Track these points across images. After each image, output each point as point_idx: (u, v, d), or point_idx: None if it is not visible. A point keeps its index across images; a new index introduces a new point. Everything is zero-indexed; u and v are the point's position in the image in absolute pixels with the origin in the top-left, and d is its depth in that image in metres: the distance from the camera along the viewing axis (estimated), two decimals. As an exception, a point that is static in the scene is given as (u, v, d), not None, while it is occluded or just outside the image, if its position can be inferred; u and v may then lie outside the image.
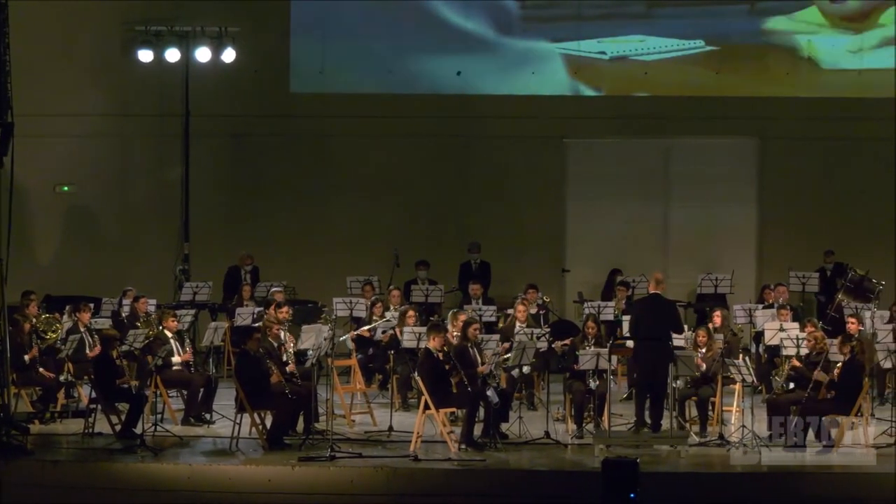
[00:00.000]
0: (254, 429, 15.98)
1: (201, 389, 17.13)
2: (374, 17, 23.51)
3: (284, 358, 16.70)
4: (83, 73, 23.47)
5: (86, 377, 17.53)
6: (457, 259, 22.31)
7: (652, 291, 16.84)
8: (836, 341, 16.13)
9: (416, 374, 16.34)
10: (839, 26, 23.50)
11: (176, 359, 17.27)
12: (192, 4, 23.39)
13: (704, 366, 16.57)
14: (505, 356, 16.90)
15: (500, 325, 18.94)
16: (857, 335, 16.83)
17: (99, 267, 22.98)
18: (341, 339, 18.10)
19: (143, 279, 21.76)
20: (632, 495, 13.65)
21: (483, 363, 16.40)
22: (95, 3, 23.31)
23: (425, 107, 23.49)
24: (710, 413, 16.63)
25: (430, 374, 15.84)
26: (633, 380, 16.87)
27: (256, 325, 17.93)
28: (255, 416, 15.95)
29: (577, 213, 23.92)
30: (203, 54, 23.15)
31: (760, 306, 19.88)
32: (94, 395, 16.51)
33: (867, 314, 18.66)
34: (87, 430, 16.23)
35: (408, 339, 17.44)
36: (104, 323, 18.92)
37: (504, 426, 16.24)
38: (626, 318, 17.96)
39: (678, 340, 16.78)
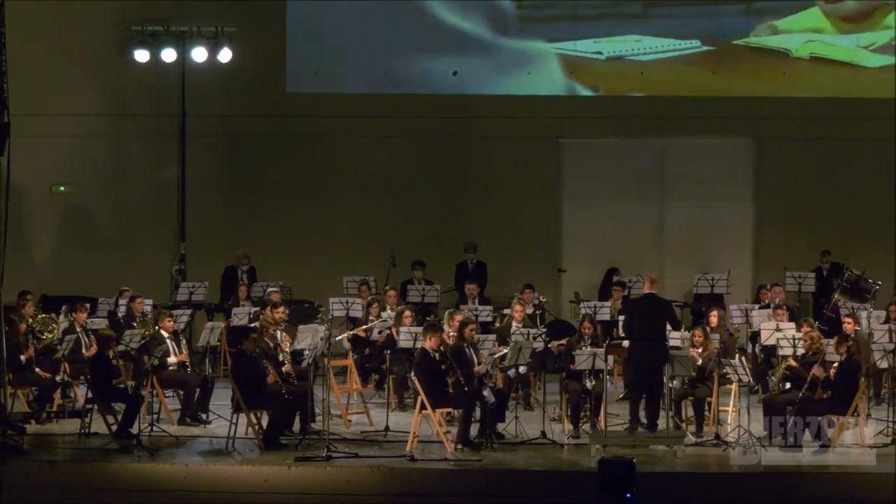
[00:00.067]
0: (250, 429, 15.98)
1: (198, 389, 17.11)
2: (371, 17, 23.49)
3: (281, 358, 16.69)
4: (80, 72, 23.45)
5: (82, 377, 17.50)
6: (453, 259, 22.30)
7: (646, 291, 16.85)
8: (832, 341, 16.15)
9: (412, 374, 16.35)
10: (838, 26, 23.50)
11: (172, 359, 17.24)
12: (189, 4, 23.37)
13: (700, 360, 16.58)
14: (500, 354, 16.90)
15: (497, 325, 18.91)
16: (853, 335, 16.86)
17: (95, 267, 22.97)
18: (337, 339, 18.08)
19: (140, 279, 21.72)
20: (628, 495, 13.68)
21: (479, 363, 16.41)
22: (92, 3, 23.28)
23: (422, 107, 23.47)
24: (706, 413, 16.65)
25: (427, 374, 15.83)
26: (628, 379, 16.88)
27: (253, 325, 17.92)
28: (252, 416, 15.93)
29: (574, 213, 23.90)
30: (199, 54, 23.14)
31: (757, 306, 19.89)
32: (90, 395, 16.47)
33: (863, 314, 18.67)
34: (83, 431, 16.23)
35: (404, 339, 17.47)
36: (100, 323, 18.90)
37: (500, 426, 16.22)
38: (623, 318, 17.95)
39: (674, 340, 16.80)
